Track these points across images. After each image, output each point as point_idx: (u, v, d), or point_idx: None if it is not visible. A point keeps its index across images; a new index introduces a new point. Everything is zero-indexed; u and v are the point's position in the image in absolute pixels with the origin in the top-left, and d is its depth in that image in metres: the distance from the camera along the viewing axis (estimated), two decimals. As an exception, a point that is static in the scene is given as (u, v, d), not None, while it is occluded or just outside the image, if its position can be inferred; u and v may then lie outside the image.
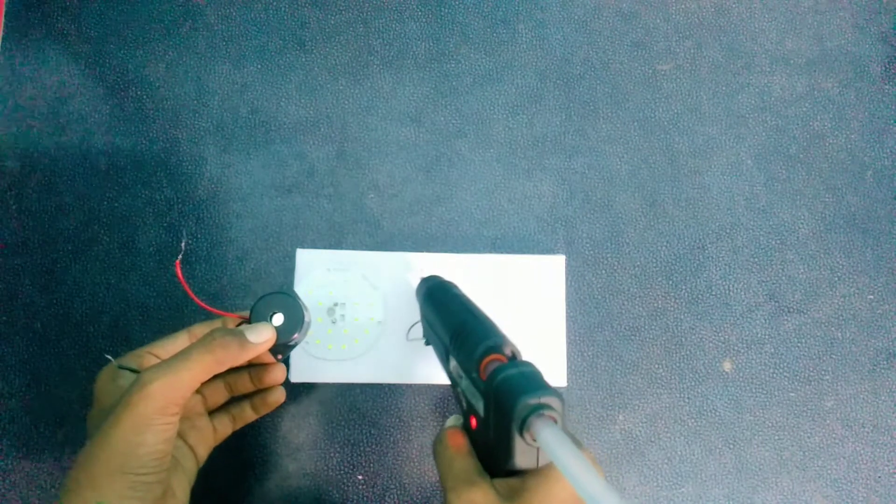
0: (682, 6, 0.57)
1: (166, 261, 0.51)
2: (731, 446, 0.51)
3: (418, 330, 0.47)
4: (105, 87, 0.53)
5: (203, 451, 0.41)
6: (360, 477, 0.49)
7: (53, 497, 0.48)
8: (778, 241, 0.54)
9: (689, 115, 0.56)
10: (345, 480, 0.49)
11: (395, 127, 0.54)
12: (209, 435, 0.42)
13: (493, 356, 0.33)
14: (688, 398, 0.52)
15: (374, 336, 0.50)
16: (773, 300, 0.54)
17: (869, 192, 0.55)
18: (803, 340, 0.53)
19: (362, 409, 0.50)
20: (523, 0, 0.56)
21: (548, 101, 0.55)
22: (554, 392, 0.29)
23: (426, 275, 0.47)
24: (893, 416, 0.52)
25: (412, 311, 0.49)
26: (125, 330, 0.50)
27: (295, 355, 0.49)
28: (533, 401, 0.28)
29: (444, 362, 0.39)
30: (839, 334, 0.53)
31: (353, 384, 0.50)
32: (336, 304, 0.51)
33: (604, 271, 0.53)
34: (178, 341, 0.42)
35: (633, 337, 0.52)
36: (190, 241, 0.51)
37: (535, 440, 0.27)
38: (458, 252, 0.52)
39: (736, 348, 0.53)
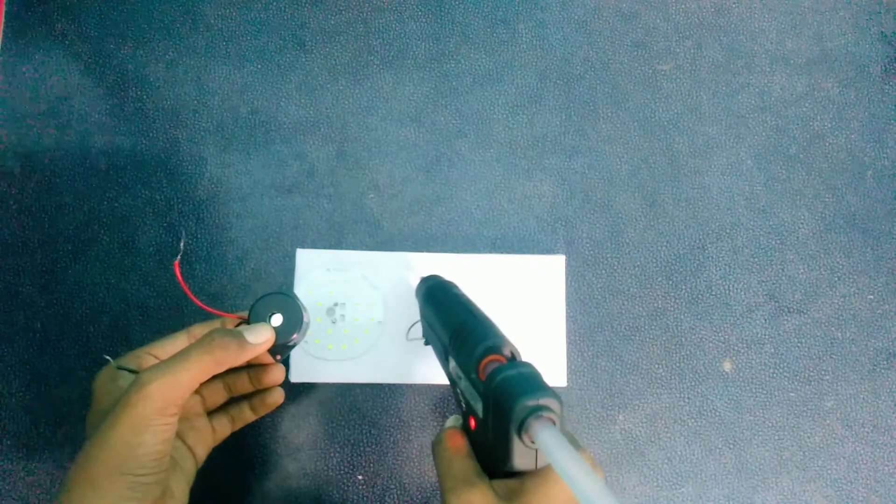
0: (682, 6, 0.57)
1: (166, 261, 0.51)
2: (731, 446, 0.51)
3: (418, 330, 0.47)
4: (105, 87, 0.53)
5: (202, 452, 0.41)
6: (360, 477, 0.49)
7: (53, 497, 0.48)
8: (778, 241, 0.54)
9: (689, 115, 0.56)
10: (345, 480, 0.49)
11: (395, 127, 0.54)
12: (208, 435, 0.42)
13: (492, 357, 0.33)
14: (688, 398, 0.52)
15: (374, 336, 0.50)
16: (773, 300, 0.54)
17: (869, 192, 0.55)
18: (803, 340, 0.53)
19: (362, 409, 0.50)
20: (523, 0, 0.56)
21: (548, 101, 0.55)
22: (552, 393, 0.29)
23: (426, 274, 0.47)
24: (893, 416, 0.52)
25: (412, 311, 0.49)
26: (125, 330, 0.50)
27: (295, 355, 0.49)
28: (531, 402, 0.28)
29: (444, 362, 0.39)
30: (839, 334, 0.53)
31: (353, 384, 0.50)
32: (336, 304, 0.51)
33: (604, 271, 0.53)
34: (176, 342, 0.42)
35: (633, 337, 0.52)
36: (190, 241, 0.51)
37: (533, 442, 0.27)
38: (458, 252, 0.52)
39: (736, 348, 0.53)
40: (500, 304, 0.51)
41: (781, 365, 0.53)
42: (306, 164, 0.53)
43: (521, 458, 0.29)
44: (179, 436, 0.40)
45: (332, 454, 0.49)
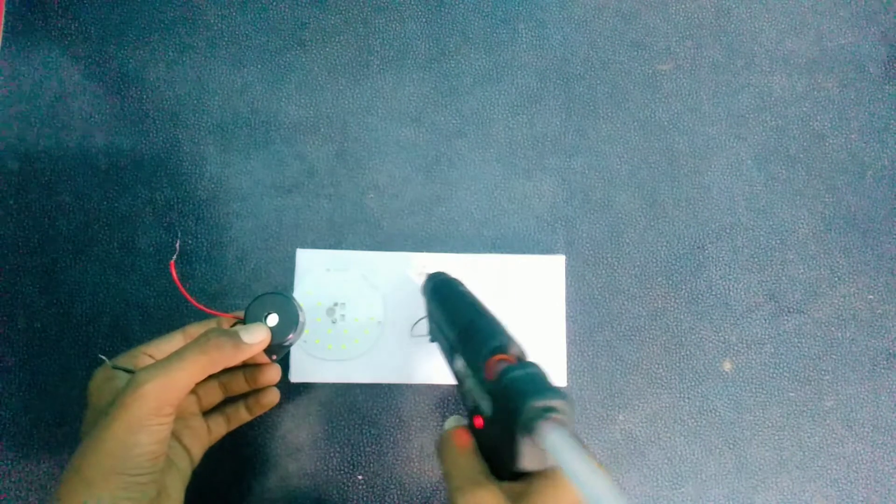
0: (682, 6, 0.57)
1: (166, 261, 0.51)
2: (731, 446, 0.51)
3: (422, 326, 0.47)
4: (105, 87, 0.53)
5: (197, 452, 0.41)
6: (360, 477, 0.49)
7: (52, 497, 0.48)
8: (778, 241, 0.54)
9: (689, 115, 0.56)
10: (345, 480, 0.49)
11: (395, 127, 0.54)
12: (203, 435, 0.42)
13: (499, 356, 0.33)
14: (688, 398, 0.52)
15: (373, 336, 0.50)
16: (773, 300, 0.53)
17: (869, 192, 0.55)
18: (803, 340, 0.53)
19: (362, 409, 0.50)
20: (523, 0, 0.56)
21: (548, 101, 0.55)
22: (562, 394, 0.28)
23: (432, 271, 0.47)
24: (893, 416, 0.52)
25: (412, 311, 0.49)
26: (125, 330, 0.50)
27: (295, 355, 0.49)
28: (540, 403, 0.28)
29: (449, 360, 0.39)
30: (839, 334, 0.53)
31: (352, 384, 0.50)
32: (336, 304, 0.51)
33: (604, 271, 0.53)
34: (172, 341, 0.42)
35: (633, 337, 0.52)
36: (190, 241, 0.51)
37: (541, 443, 0.27)
38: (458, 252, 0.52)
39: (736, 348, 0.53)
40: (500, 304, 0.51)
41: (781, 365, 0.53)
42: (306, 164, 0.53)
43: (528, 458, 0.29)
44: (175, 435, 0.40)
45: (332, 454, 0.49)
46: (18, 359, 0.49)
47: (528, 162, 0.54)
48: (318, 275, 0.51)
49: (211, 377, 0.38)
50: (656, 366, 0.52)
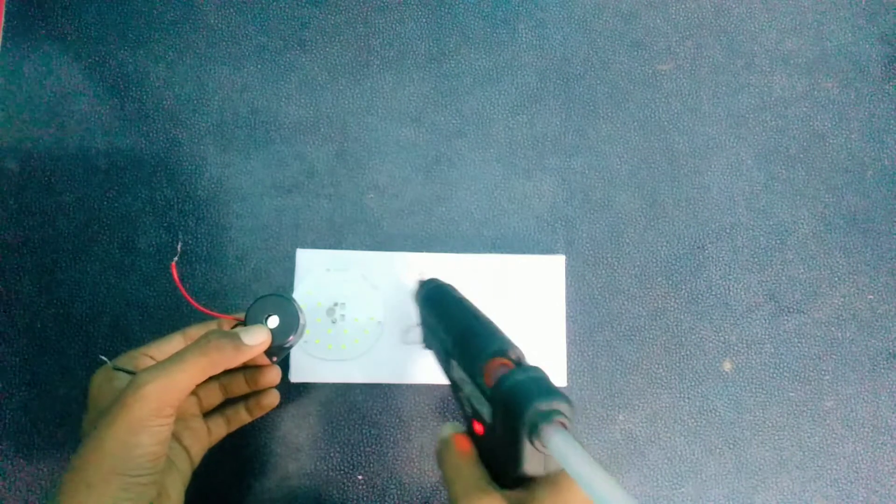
0: (682, 6, 0.57)
1: (166, 261, 0.51)
2: (731, 446, 0.51)
3: (415, 333, 0.47)
4: (105, 87, 0.53)
5: (198, 453, 0.41)
6: (360, 477, 0.49)
7: (52, 498, 0.47)
8: (778, 241, 0.54)
9: (689, 115, 0.56)
10: (345, 480, 0.49)
11: (395, 127, 0.54)
12: (203, 436, 0.42)
13: (498, 360, 0.33)
14: (688, 398, 0.52)
15: (373, 336, 0.50)
16: (773, 300, 0.54)
17: (869, 192, 0.55)
18: (803, 340, 0.53)
19: (362, 409, 0.50)
20: (523, 0, 0.56)
21: (548, 101, 0.55)
22: (564, 397, 0.28)
23: (424, 278, 0.47)
24: (893, 416, 0.52)
25: (412, 311, 0.49)
26: (125, 330, 0.50)
27: (295, 355, 0.49)
28: (544, 406, 0.28)
29: (445, 367, 0.39)
30: (839, 334, 0.53)
31: (352, 384, 0.50)
32: (336, 304, 0.51)
33: (604, 271, 0.53)
34: (173, 343, 0.42)
35: (633, 337, 0.52)
36: (189, 241, 0.51)
37: (545, 447, 0.27)
38: (458, 252, 0.52)
39: (736, 348, 0.53)
40: (500, 305, 0.51)
41: (781, 365, 0.53)
42: (306, 164, 0.53)
43: (531, 463, 0.29)
44: (175, 436, 0.40)
45: (332, 454, 0.49)
46: (18, 359, 0.49)
47: (528, 162, 0.54)
48: (318, 275, 0.51)
49: (211, 378, 0.38)
50: (656, 366, 0.52)
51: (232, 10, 0.55)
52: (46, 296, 0.50)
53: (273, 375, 0.44)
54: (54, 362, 0.49)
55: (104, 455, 0.32)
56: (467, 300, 0.42)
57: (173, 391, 0.34)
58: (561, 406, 0.28)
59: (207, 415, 0.43)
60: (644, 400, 0.52)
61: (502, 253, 0.53)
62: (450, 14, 0.56)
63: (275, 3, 0.55)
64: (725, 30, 0.57)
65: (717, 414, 0.52)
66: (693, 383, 0.52)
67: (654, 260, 0.54)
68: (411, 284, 0.48)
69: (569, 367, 0.52)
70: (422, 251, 0.52)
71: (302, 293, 0.50)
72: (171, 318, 0.50)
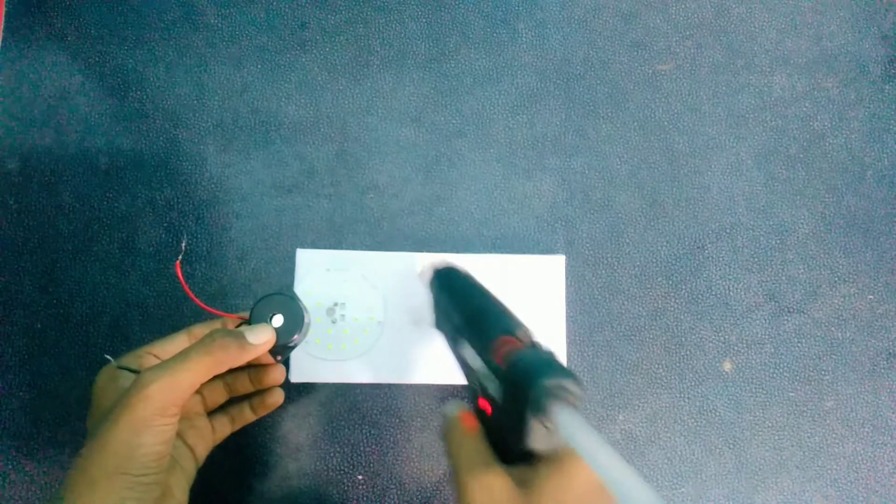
0: (682, 6, 0.57)
1: (166, 261, 0.51)
2: (731, 446, 0.51)
3: (422, 312, 0.47)
4: (105, 87, 0.53)
5: (202, 452, 0.41)
6: (360, 477, 0.49)
7: (54, 497, 0.47)
8: (778, 241, 0.54)
9: (689, 115, 0.56)
10: (345, 480, 0.49)
11: (395, 127, 0.54)
12: (208, 435, 0.42)
13: (508, 338, 0.33)
14: (688, 398, 0.52)
15: (374, 336, 0.50)
16: (773, 300, 0.54)
17: (869, 192, 0.55)
18: (803, 340, 0.53)
19: (362, 409, 0.50)
20: (523, 0, 0.56)
21: (548, 101, 0.55)
22: (573, 375, 0.28)
23: (439, 266, 0.46)
24: (893, 416, 0.52)
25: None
26: (125, 330, 0.50)
27: (295, 355, 0.49)
28: (552, 383, 0.28)
29: (454, 346, 0.39)
30: (839, 334, 0.53)
31: (353, 384, 0.50)
32: (336, 304, 0.51)
33: (604, 271, 0.53)
34: (177, 342, 0.42)
35: (633, 337, 0.52)
36: (190, 241, 0.51)
37: (551, 423, 0.27)
38: (458, 252, 0.52)
39: (736, 348, 0.53)
40: (500, 304, 0.51)
41: (781, 365, 0.53)
42: (306, 164, 0.53)
43: (536, 439, 0.29)
44: (180, 435, 0.40)
45: (332, 454, 0.49)
46: (18, 359, 0.49)
47: (528, 162, 0.54)
48: (318, 275, 0.51)
49: (216, 377, 0.38)
50: (656, 366, 0.52)
51: (232, 10, 0.55)
52: (46, 296, 0.50)
53: (278, 374, 0.44)
54: (54, 362, 0.49)
55: (108, 454, 0.32)
56: (481, 284, 0.42)
57: (177, 391, 0.34)
58: (569, 384, 0.28)
59: (212, 414, 0.43)
60: (644, 400, 0.52)
61: (502, 253, 0.53)
62: (450, 14, 0.56)
63: (275, 3, 0.55)
64: (725, 30, 0.57)
65: (717, 414, 0.52)
66: (693, 383, 0.52)
67: (654, 260, 0.54)
68: (425, 272, 0.48)
69: (569, 367, 0.51)
70: (422, 251, 0.52)
71: (302, 293, 0.50)
72: (171, 318, 0.50)
